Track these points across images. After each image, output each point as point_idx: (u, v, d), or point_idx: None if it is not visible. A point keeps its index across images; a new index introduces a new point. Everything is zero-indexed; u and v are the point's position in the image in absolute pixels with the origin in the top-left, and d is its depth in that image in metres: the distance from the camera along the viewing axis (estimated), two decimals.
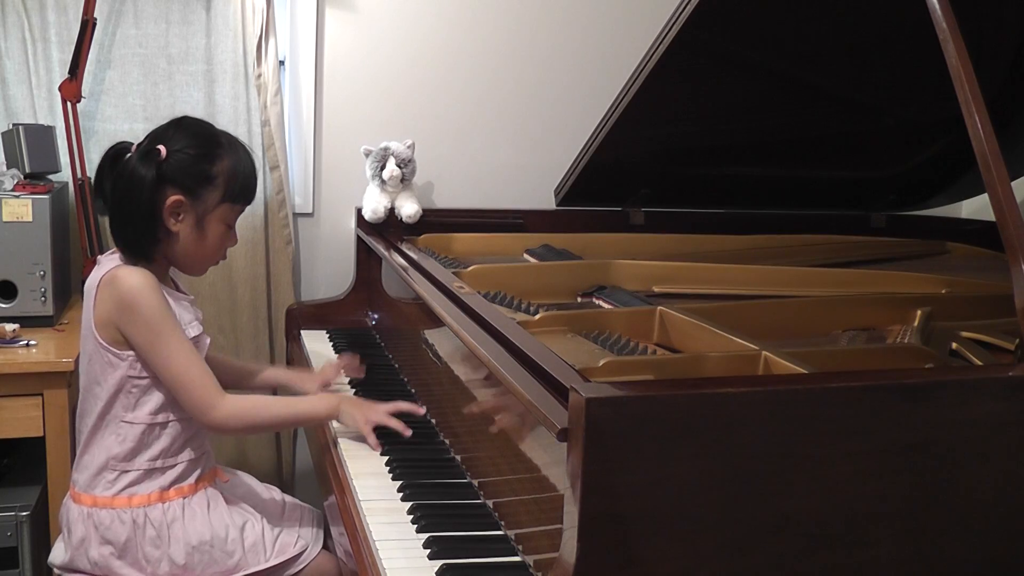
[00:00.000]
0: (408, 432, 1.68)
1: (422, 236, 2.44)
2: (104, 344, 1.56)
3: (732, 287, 1.97)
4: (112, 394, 1.57)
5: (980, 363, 1.51)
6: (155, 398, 1.58)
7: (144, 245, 1.57)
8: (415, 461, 1.63)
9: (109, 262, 1.59)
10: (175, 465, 1.62)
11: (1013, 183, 1.35)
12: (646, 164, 2.43)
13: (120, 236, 1.59)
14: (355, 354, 2.06)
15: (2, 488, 2.09)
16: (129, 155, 1.56)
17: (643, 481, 1.04)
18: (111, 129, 2.45)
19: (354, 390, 1.99)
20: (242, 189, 1.62)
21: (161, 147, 1.54)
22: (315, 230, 2.72)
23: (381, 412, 1.69)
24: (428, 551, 1.32)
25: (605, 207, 2.59)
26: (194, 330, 1.63)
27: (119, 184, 1.55)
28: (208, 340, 1.71)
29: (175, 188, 1.55)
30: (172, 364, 1.54)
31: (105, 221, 2.23)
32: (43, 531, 2.02)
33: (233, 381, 1.92)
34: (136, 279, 1.54)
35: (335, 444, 1.71)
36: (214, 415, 1.56)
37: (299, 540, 1.72)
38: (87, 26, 2.30)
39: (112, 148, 1.59)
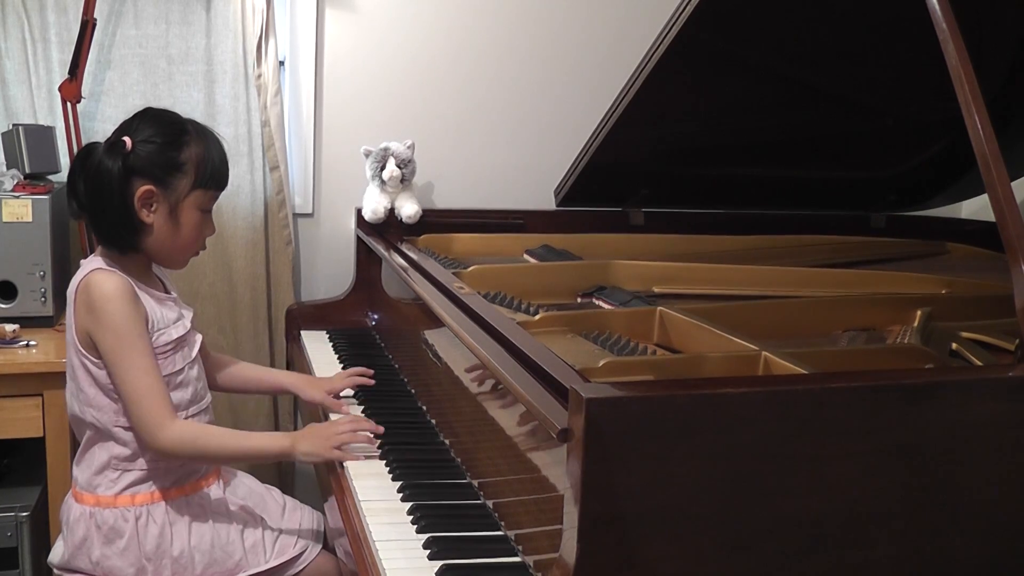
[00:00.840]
0: (380, 428, 1.67)
1: (422, 236, 2.44)
2: (83, 351, 1.55)
3: (732, 287, 1.97)
4: (97, 400, 1.56)
5: (980, 363, 1.51)
6: None
7: (125, 238, 1.56)
8: (415, 462, 1.63)
9: (87, 265, 1.58)
10: (180, 466, 1.61)
11: (1013, 183, 1.35)
12: (646, 164, 2.43)
13: (99, 232, 1.58)
14: (368, 368, 1.99)
15: (2, 488, 2.09)
16: (96, 150, 1.55)
17: (643, 481, 1.04)
18: (111, 130, 2.39)
19: (355, 391, 1.99)
20: (213, 174, 1.60)
21: (126, 139, 1.53)
22: (315, 230, 2.72)
23: (341, 431, 1.65)
24: (428, 551, 1.32)
25: (605, 207, 2.59)
26: (177, 330, 1.62)
27: (88, 181, 1.54)
28: (199, 337, 1.70)
29: (144, 178, 1.54)
30: (129, 377, 1.51)
31: None
32: (43, 531, 2.02)
33: (238, 384, 1.91)
34: (108, 285, 1.52)
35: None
36: (161, 437, 1.52)
37: (299, 541, 1.72)
38: (87, 27, 2.30)
39: (83, 148, 1.58)
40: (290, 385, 1.93)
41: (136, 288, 1.56)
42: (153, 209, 1.56)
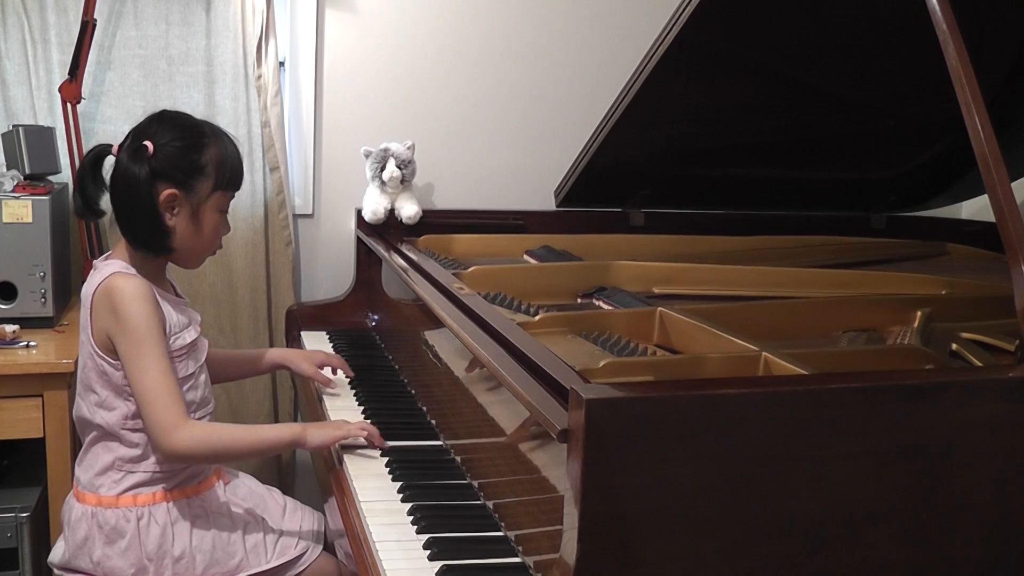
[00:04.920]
0: (384, 444, 1.69)
1: (422, 237, 2.44)
2: (99, 353, 1.55)
3: (732, 288, 1.97)
4: (109, 402, 1.57)
5: (980, 364, 1.51)
6: None
7: (159, 241, 1.57)
8: (415, 462, 1.63)
9: (105, 268, 1.58)
10: (184, 468, 1.62)
11: (1013, 184, 1.35)
12: (646, 165, 2.43)
13: (133, 236, 1.58)
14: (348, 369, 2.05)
15: (2, 489, 2.09)
16: (117, 155, 1.55)
17: (643, 482, 1.04)
18: (111, 130, 2.44)
19: (355, 391, 1.99)
20: (231, 175, 1.62)
21: (147, 143, 1.53)
22: (315, 231, 2.72)
23: (353, 422, 1.69)
24: (428, 552, 1.32)
25: (605, 208, 2.59)
26: (190, 335, 1.63)
27: (117, 186, 1.54)
28: (206, 343, 1.70)
29: (167, 182, 1.54)
30: (146, 377, 1.51)
31: (104, 222, 2.25)
32: (43, 532, 2.02)
33: (236, 371, 1.95)
34: (130, 288, 1.52)
35: (335, 445, 1.70)
36: (175, 438, 1.50)
37: (300, 541, 1.72)
38: (87, 27, 2.30)
39: (92, 151, 1.58)
40: (282, 359, 1.99)
41: (155, 291, 1.57)
42: (175, 212, 1.56)
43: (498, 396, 1.45)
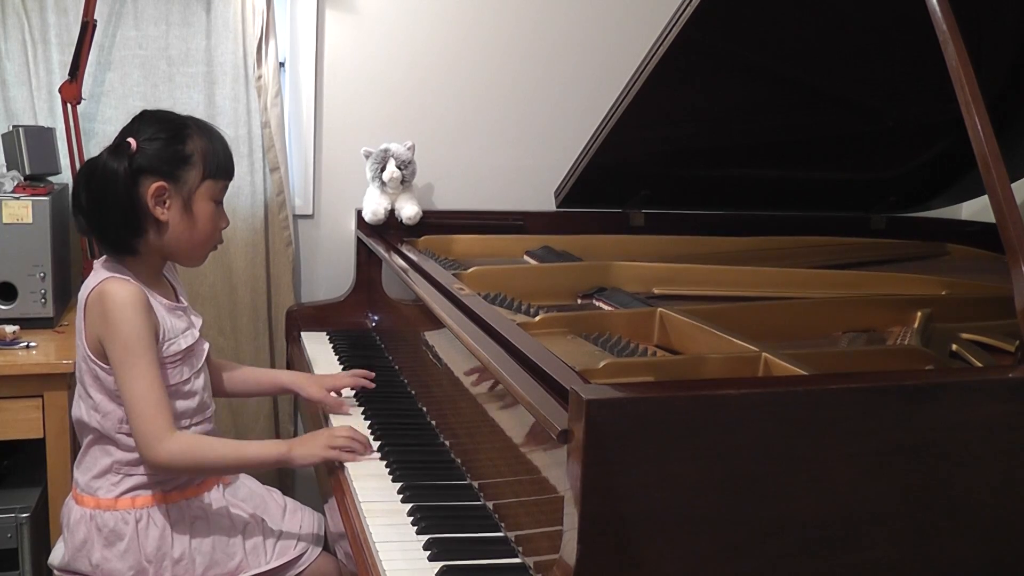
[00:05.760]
0: (372, 448, 1.66)
1: (422, 238, 2.44)
2: (92, 357, 1.55)
3: (732, 289, 1.97)
4: (103, 406, 1.56)
5: (980, 365, 1.51)
6: None
7: (129, 241, 1.55)
8: (415, 463, 1.63)
9: (101, 271, 1.57)
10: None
11: (1013, 184, 1.35)
12: (646, 165, 2.43)
13: (104, 237, 1.57)
14: (369, 371, 1.97)
15: (2, 490, 2.09)
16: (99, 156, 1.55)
17: (643, 483, 1.04)
18: (111, 131, 2.42)
19: (355, 392, 1.99)
20: (220, 163, 1.61)
21: (130, 140, 1.53)
22: (315, 232, 2.72)
23: (338, 434, 1.64)
24: (428, 552, 1.32)
25: (605, 209, 2.59)
26: (186, 340, 1.62)
27: (93, 185, 1.53)
28: (207, 346, 1.70)
29: (154, 176, 1.53)
30: (134, 387, 1.50)
31: None
32: (43, 533, 2.02)
33: (239, 388, 1.90)
34: (122, 294, 1.52)
35: None
36: (159, 448, 1.50)
37: (299, 542, 1.72)
38: (87, 28, 2.30)
39: (85, 164, 1.58)
40: (290, 383, 1.93)
41: (148, 297, 1.56)
42: (167, 205, 1.55)
43: (498, 397, 1.45)
